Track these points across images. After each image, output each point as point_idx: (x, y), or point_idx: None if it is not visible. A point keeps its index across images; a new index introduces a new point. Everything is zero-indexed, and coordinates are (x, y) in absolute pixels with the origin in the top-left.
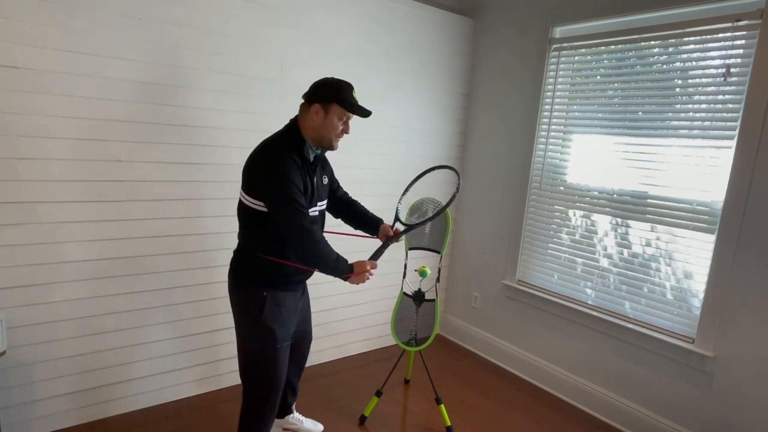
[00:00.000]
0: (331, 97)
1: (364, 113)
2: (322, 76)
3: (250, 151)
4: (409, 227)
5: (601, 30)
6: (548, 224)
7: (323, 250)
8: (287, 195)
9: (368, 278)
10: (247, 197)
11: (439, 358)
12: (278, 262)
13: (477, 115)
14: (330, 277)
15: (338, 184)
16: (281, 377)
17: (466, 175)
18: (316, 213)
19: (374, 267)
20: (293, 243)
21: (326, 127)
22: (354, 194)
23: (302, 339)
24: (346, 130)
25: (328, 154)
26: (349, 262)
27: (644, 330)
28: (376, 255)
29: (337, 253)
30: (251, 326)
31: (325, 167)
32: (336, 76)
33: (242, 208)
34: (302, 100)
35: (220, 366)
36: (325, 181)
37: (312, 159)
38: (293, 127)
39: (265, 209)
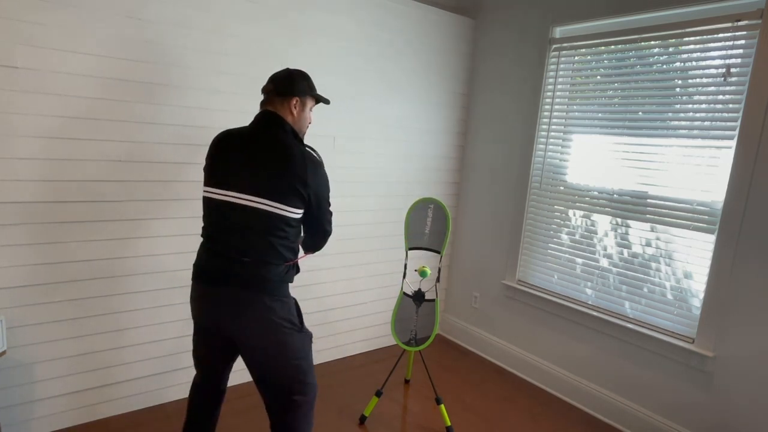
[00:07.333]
0: (308, 91)
1: (327, 101)
2: (309, 74)
3: None
4: None
5: (601, 30)
6: (548, 224)
7: None
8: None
9: None
10: (281, 207)
11: (439, 358)
12: (295, 262)
13: (477, 115)
14: (330, 278)
15: None
16: None
17: (466, 175)
18: None
19: None
20: (324, 238)
21: (303, 121)
22: (353, 194)
23: None
24: (310, 121)
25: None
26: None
27: (644, 330)
28: None
29: None
30: (299, 339)
31: None
32: (336, 77)
33: (273, 218)
34: (264, 95)
35: None
36: None
37: None
38: (285, 123)
39: (298, 215)
